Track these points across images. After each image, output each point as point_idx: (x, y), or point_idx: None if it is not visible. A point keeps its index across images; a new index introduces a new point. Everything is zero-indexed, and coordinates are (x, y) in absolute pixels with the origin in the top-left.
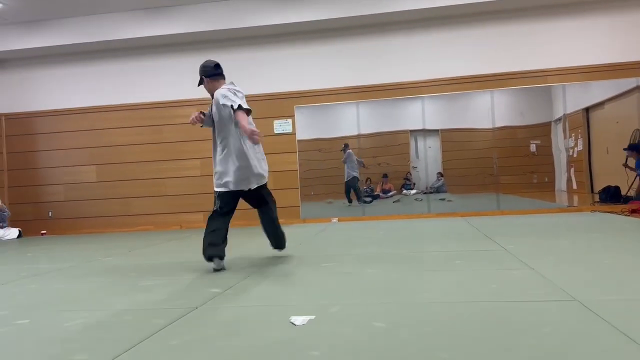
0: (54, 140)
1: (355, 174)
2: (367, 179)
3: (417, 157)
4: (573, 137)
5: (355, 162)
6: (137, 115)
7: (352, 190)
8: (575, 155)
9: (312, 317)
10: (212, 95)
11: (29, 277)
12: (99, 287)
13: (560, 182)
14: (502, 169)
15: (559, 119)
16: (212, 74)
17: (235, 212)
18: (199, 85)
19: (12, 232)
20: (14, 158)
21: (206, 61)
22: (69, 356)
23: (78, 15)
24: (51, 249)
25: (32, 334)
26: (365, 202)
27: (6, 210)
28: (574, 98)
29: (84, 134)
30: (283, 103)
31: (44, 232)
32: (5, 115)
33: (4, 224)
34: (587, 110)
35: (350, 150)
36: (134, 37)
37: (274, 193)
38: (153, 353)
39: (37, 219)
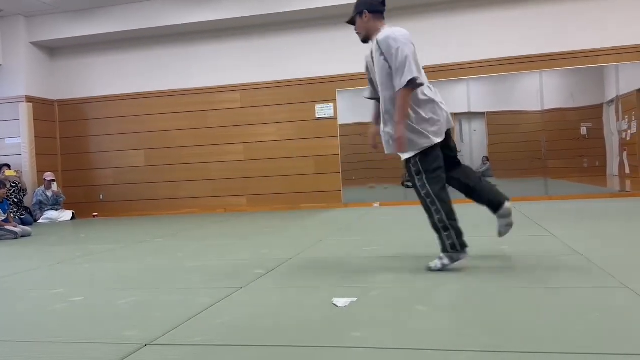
0: (104, 125)
1: None
2: None
3: (462, 140)
4: (626, 120)
5: None
6: (183, 100)
7: None
8: (628, 139)
9: (354, 299)
10: (367, 40)
11: (83, 256)
12: (148, 267)
13: (612, 167)
14: (551, 153)
15: (612, 101)
16: (375, 9)
17: (278, 195)
18: (350, 22)
19: (66, 214)
20: (67, 143)
21: None
22: (119, 332)
23: (126, 3)
24: (103, 231)
25: (86, 311)
26: (407, 186)
27: (62, 195)
28: (628, 78)
29: (132, 119)
30: (324, 87)
31: (96, 214)
32: (59, 101)
33: (59, 207)
34: None
35: None
36: (180, 24)
37: (316, 177)
38: (199, 331)
39: (89, 202)
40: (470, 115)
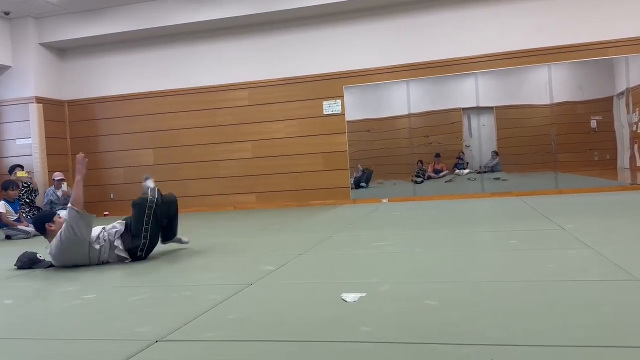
0: (113, 125)
1: None
2: (418, 160)
3: (471, 135)
4: (637, 112)
5: None
6: (192, 99)
7: None
8: (639, 131)
9: (363, 294)
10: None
11: None
12: (159, 264)
13: (623, 160)
14: (561, 147)
15: (622, 93)
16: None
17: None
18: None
19: None
20: (77, 143)
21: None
22: (132, 328)
23: (133, 3)
24: None
25: (99, 308)
26: (416, 182)
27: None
28: (638, 70)
29: (141, 118)
30: (331, 83)
31: (107, 213)
32: (68, 102)
33: None
34: None
35: None
36: (187, 23)
37: (324, 174)
38: (210, 326)
39: (100, 201)
40: (479, 110)
